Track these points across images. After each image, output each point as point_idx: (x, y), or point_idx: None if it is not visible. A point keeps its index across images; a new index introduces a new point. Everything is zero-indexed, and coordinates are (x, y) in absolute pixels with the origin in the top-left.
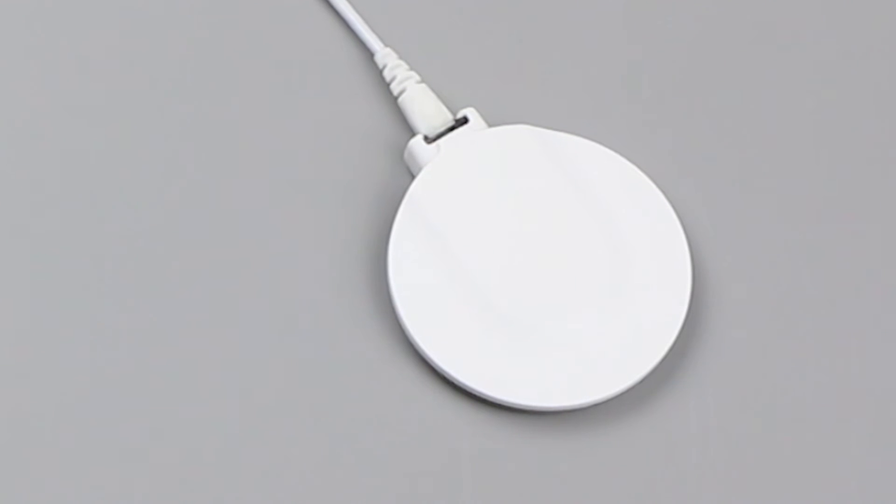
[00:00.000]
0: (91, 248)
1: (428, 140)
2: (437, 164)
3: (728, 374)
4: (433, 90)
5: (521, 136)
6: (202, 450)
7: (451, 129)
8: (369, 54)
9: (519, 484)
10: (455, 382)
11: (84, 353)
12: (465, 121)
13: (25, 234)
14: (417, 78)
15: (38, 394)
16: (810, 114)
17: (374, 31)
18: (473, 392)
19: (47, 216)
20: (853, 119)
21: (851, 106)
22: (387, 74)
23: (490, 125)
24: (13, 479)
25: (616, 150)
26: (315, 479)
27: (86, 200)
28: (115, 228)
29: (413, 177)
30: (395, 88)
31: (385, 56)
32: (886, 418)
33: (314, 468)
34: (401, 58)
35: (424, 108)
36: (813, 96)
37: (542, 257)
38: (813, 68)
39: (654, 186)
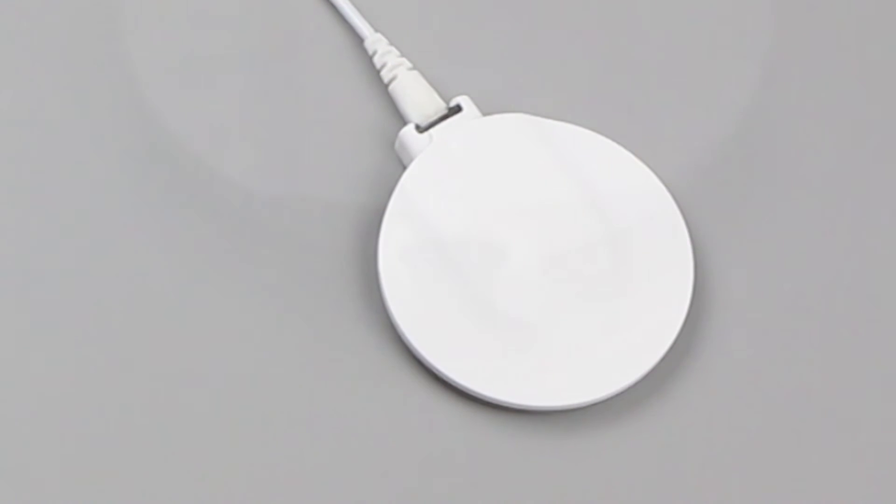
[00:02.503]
0: (83, 243)
1: (420, 129)
2: (429, 154)
3: (728, 374)
4: (425, 77)
5: (516, 125)
6: (197, 449)
7: (444, 117)
8: (359, 40)
9: (517, 484)
10: (449, 381)
11: (77, 353)
12: (458, 109)
13: (23, 231)
14: (409, 65)
15: (39, 392)
16: (813, 108)
17: (363, 15)
18: (468, 391)
19: (43, 214)
20: (856, 117)
21: (854, 104)
22: (377, 61)
23: (484, 114)
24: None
25: (615, 140)
26: (307, 479)
27: (74, 191)
28: (102, 221)
29: (404, 167)
30: (385, 75)
31: (375, 42)
32: (887, 418)
33: (305, 469)
34: (391, 44)
35: (416, 95)
36: (815, 91)
37: (539, 252)
38: (817, 62)
39: (655, 179)
